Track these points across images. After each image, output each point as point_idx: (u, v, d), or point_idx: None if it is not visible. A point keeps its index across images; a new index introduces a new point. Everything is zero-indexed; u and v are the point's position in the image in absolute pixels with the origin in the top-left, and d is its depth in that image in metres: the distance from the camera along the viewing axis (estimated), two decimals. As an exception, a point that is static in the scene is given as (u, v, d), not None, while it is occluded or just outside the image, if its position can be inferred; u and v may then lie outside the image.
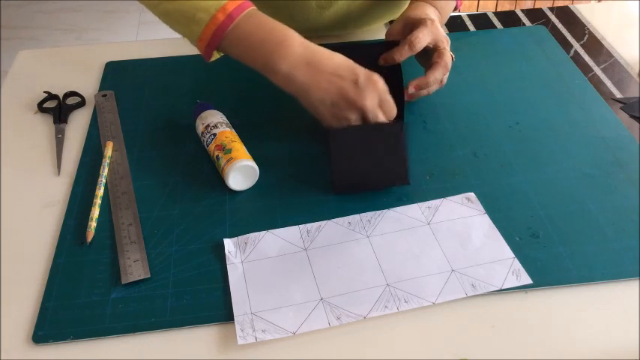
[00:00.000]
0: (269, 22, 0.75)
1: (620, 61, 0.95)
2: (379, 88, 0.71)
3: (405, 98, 0.79)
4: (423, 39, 0.78)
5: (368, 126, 0.71)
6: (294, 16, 0.96)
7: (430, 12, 0.83)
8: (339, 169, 0.72)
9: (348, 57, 0.74)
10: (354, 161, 0.72)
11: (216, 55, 0.77)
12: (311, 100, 0.72)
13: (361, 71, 0.71)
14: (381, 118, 0.72)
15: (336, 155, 0.71)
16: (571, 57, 0.95)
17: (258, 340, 0.58)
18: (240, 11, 0.74)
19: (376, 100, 0.71)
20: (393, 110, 0.73)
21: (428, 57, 0.82)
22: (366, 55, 0.77)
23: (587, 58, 0.96)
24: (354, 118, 0.71)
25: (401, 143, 0.71)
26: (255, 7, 0.76)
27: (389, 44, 0.80)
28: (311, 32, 1.00)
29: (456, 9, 0.93)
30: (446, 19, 0.89)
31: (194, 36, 0.76)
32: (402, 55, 0.78)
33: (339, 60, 0.72)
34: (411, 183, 0.73)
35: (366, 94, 0.70)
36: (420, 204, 0.71)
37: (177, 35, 0.80)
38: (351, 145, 0.71)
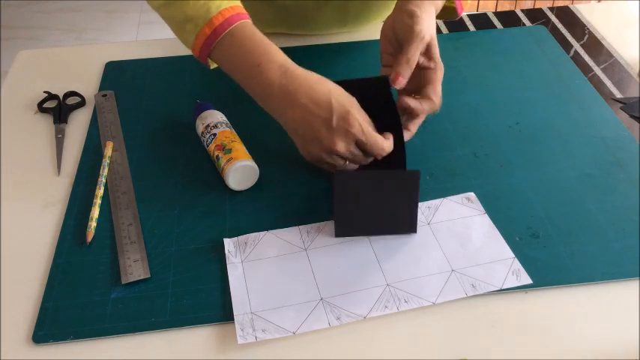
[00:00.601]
0: (250, 43, 0.71)
1: (620, 61, 0.95)
2: (354, 131, 0.66)
3: (406, 138, 0.75)
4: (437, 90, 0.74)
5: (380, 172, 0.67)
6: (291, 14, 0.96)
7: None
8: (341, 214, 0.67)
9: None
10: (359, 206, 0.67)
11: (215, 64, 0.77)
12: (284, 127, 0.70)
13: (338, 109, 0.66)
14: (359, 159, 0.69)
15: (340, 200, 0.67)
16: (571, 57, 0.95)
17: (258, 339, 0.58)
18: (227, 26, 0.71)
19: (350, 142, 0.67)
20: (378, 149, 0.68)
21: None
22: (359, 89, 0.70)
23: (587, 58, 0.96)
24: (325, 157, 0.68)
25: (415, 193, 0.66)
26: (244, 21, 0.72)
27: (381, 80, 0.73)
28: (310, 31, 1.01)
29: (456, 15, 0.90)
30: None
31: (188, 44, 0.75)
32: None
33: (319, 92, 0.67)
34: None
35: (337, 137, 0.66)
36: (420, 204, 0.71)
37: (177, 35, 0.81)
38: (357, 190, 0.67)
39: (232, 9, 0.72)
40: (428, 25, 0.74)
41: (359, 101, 0.69)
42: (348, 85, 0.70)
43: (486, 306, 0.61)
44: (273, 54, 0.70)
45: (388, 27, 0.77)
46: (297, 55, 0.75)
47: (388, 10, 1.00)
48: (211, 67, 0.77)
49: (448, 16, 0.90)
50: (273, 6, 0.95)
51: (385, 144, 0.68)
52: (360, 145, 0.68)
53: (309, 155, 0.70)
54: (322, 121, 0.67)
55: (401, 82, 0.72)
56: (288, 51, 0.75)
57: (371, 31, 1.03)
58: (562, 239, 0.67)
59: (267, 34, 0.74)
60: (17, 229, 0.71)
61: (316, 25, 0.99)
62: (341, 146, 0.67)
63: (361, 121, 0.67)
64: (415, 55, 0.72)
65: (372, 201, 0.67)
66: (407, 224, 0.68)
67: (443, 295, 0.61)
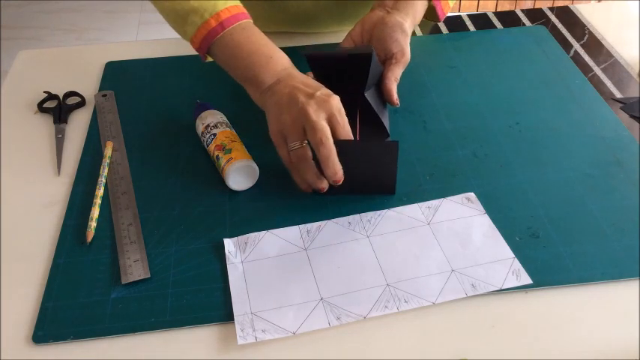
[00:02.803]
0: (261, 38, 0.76)
1: (620, 61, 0.95)
2: (331, 106, 0.68)
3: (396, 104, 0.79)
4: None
5: (361, 142, 0.70)
6: (290, 13, 0.96)
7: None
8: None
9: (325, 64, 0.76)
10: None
11: (210, 57, 0.79)
12: (270, 103, 0.71)
13: (323, 90, 0.69)
14: (326, 132, 0.67)
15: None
16: (571, 57, 0.95)
17: (258, 340, 0.58)
18: (234, 21, 0.75)
19: (323, 114, 0.67)
20: (345, 132, 0.68)
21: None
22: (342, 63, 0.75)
23: (587, 58, 0.96)
24: (290, 128, 0.68)
25: (394, 161, 0.69)
26: (249, 20, 0.77)
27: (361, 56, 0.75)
28: (308, 29, 1.01)
29: (438, 18, 0.89)
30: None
31: (187, 36, 0.78)
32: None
33: (311, 79, 0.72)
34: (410, 185, 0.73)
35: (313, 102, 0.67)
36: (420, 204, 0.71)
37: (177, 35, 0.81)
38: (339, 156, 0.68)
39: (238, 7, 0.77)
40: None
41: (341, 74, 0.75)
42: (328, 59, 0.76)
43: (486, 306, 0.61)
44: (281, 51, 0.75)
45: (371, 24, 0.83)
46: (296, 53, 0.76)
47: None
48: (205, 61, 0.80)
49: (429, 16, 0.90)
50: (272, 5, 0.95)
51: (348, 133, 0.68)
52: (332, 124, 0.68)
53: (278, 124, 0.70)
54: (306, 93, 0.69)
55: (397, 100, 0.79)
56: (286, 50, 0.76)
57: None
58: (562, 239, 0.67)
59: (265, 33, 0.76)
60: (17, 229, 0.71)
61: (315, 23, 0.99)
62: (313, 111, 0.67)
63: (342, 107, 0.69)
64: (400, 75, 0.80)
65: (353, 166, 0.69)
66: (386, 187, 0.72)
67: (443, 295, 0.61)
